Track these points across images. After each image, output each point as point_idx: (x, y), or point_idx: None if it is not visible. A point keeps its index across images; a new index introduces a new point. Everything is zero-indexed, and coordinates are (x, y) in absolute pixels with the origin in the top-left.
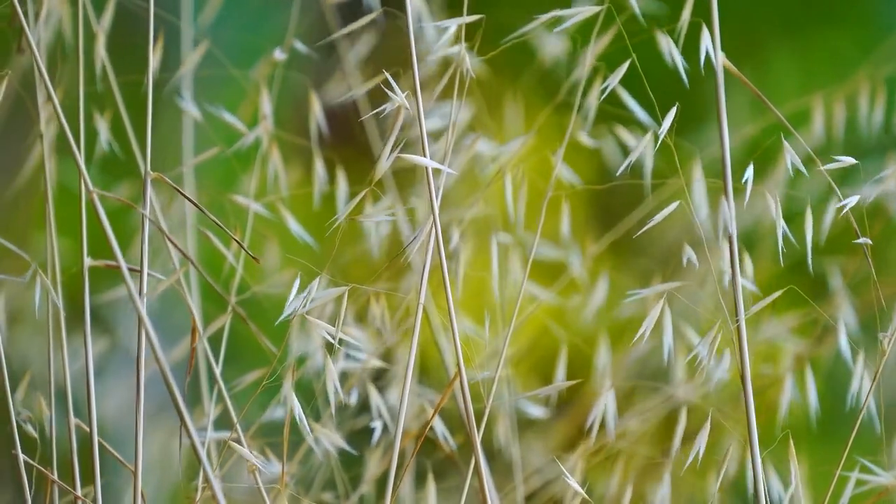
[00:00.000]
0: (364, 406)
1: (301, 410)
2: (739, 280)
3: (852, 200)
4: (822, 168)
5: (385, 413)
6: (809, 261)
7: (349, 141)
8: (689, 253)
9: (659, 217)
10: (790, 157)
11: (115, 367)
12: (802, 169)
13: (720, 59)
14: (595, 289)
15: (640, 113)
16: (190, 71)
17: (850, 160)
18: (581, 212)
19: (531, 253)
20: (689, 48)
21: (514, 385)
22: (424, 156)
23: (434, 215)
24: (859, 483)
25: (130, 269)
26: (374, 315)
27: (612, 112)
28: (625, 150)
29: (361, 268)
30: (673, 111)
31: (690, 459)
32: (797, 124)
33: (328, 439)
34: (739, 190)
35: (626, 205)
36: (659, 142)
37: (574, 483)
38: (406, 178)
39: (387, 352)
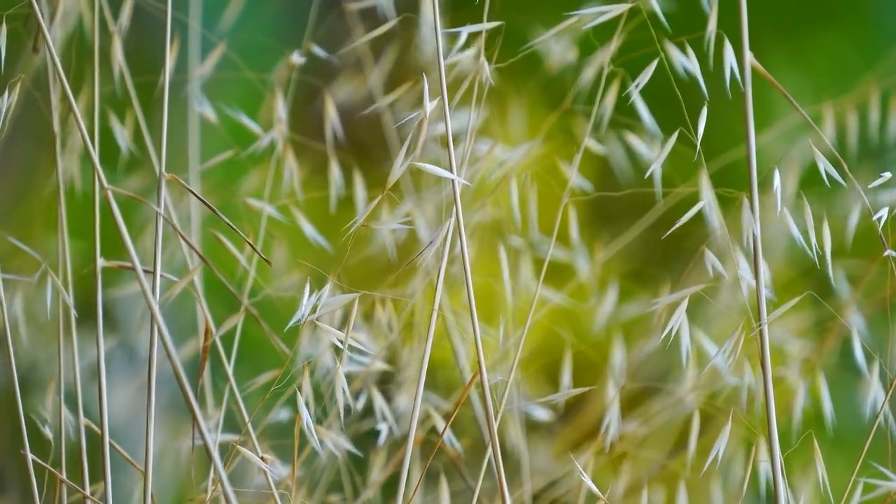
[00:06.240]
0: (368, 409)
1: (309, 416)
2: (763, 284)
3: (883, 213)
4: (862, 185)
5: (389, 416)
6: (829, 270)
7: (360, 143)
8: (711, 259)
9: (683, 219)
10: (823, 165)
11: (115, 367)
12: (838, 177)
13: (748, 60)
14: (603, 292)
15: (648, 117)
16: (205, 73)
17: (888, 175)
18: (586, 215)
19: (546, 257)
20: (700, 50)
21: (522, 387)
22: (449, 163)
23: (460, 224)
24: (869, 488)
25: (144, 271)
26: (380, 318)
27: (618, 117)
28: (631, 155)
29: (367, 268)
30: (703, 116)
31: (709, 462)
32: (804, 130)
33: (334, 442)
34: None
35: (631, 209)
36: (697, 150)
37: (591, 484)
38: (418, 180)
39: (392, 354)
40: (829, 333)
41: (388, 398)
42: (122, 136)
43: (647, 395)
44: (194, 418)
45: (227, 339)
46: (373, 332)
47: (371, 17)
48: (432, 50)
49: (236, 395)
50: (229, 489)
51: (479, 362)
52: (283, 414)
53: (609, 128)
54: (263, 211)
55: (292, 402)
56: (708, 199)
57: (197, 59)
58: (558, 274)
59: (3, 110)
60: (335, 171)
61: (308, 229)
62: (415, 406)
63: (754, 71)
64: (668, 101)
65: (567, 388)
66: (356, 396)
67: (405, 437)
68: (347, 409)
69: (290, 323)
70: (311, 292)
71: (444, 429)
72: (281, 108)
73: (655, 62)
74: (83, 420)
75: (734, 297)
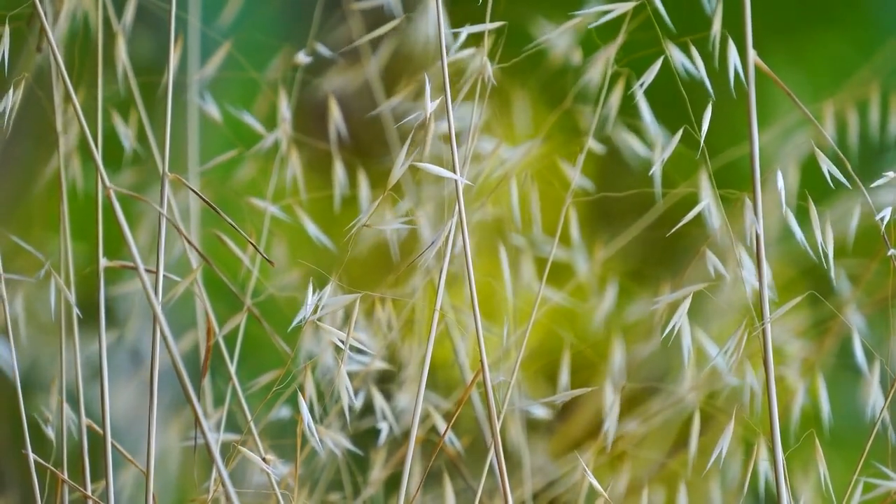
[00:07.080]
0: (368, 407)
1: (310, 417)
2: (767, 282)
3: (886, 213)
4: (863, 185)
5: (389, 415)
6: (832, 270)
7: (363, 140)
8: (712, 259)
9: (686, 219)
10: (826, 166)
11: (116, 367)
12: (841, 178)
13: (752, 58)
14: (603, 292)
15: (649, 117)
16: (209, 72)
17: (891, 174)
18: (587, 214)
19: (550, 256)
20: (702, 50)
21: (522, 386)
22: (452, 162)
23: (462, 225)
24: (869, 487)
25: (146, 271)
26: (380, 317)
27: (620, 117)
28: (633, 154)
29: (366, 265)
30: (708, 115)
31: (711, 462)
32: (803, 130)
33: (334, 441)
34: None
35: (632, 208)
36: (701, 148)
37: (595, 482)
38: (419, 176)
39: (391, 352)
40: (829, 333)
41: (388, 397)
42: (125, 135)
43: (647, 395)
44: (196, 418)
45: (228, 339)
46: (372, 331)
47: (374, 16)
48: (436, 48)
49: (238, 394)
50: (231, 489)
51: (481, 362)
52: (282, 412)
53: (612, 127)
54: (266, 210)
55: (292, 401)
56: (709, 199)
57: (197, 57)
58: (558, 273)
59: (6, 109)
60: (339, 171)
61: (311, 228)
62: (416, 406)
63: (756, 70)
64: (669, 101)
65: (566, 388)
66: (356, 395)
67: (405, 436)
68: (350, 409)
69: (293, 324)
70: (313, 292)
71: (447, 429)
72: (285, 108)
73: (660, 61)
74: (84, 420)
75: (735, 297)
